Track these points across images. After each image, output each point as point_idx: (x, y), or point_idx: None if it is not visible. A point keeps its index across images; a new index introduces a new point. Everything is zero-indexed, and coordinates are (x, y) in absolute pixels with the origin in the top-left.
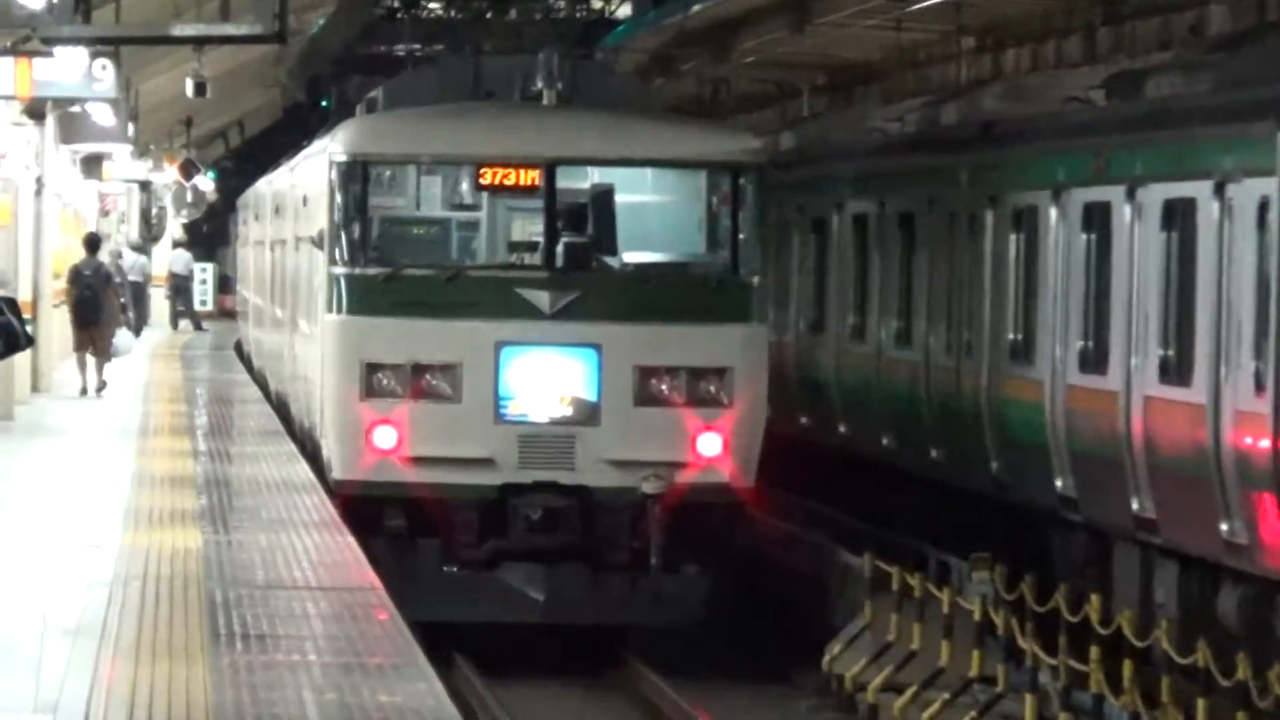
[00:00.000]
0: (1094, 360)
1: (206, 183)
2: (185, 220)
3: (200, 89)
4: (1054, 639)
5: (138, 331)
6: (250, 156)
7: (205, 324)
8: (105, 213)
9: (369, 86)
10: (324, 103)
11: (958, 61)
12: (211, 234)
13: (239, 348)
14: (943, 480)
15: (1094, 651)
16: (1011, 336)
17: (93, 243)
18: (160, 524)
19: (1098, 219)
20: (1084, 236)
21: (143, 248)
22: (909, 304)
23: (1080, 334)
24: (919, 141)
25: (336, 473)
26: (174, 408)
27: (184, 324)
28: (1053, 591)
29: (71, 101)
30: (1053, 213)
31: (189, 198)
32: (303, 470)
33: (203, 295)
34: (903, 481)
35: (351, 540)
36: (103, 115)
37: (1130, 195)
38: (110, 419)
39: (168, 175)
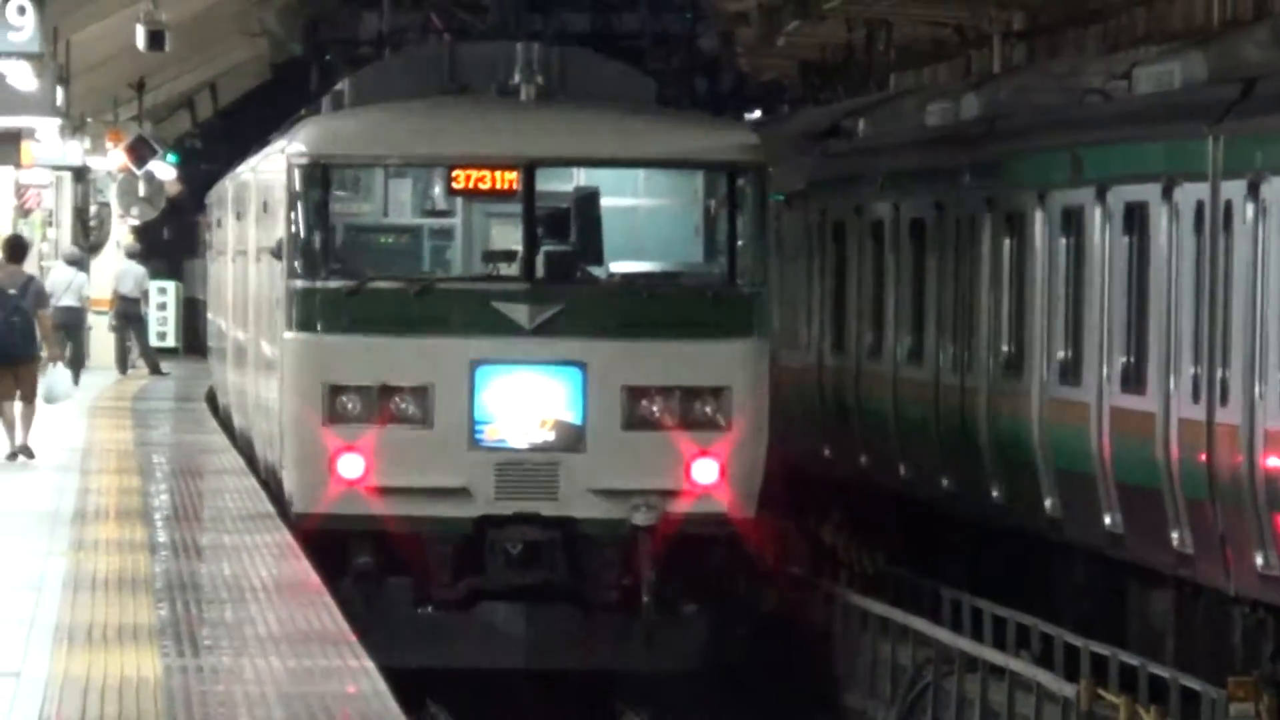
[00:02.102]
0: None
1: (166, 169)
2: (137, 222)
3: (156, 39)
4: None
5: (76, 375)
6: (227, 133)
7: (165, 365)
8: (25, 212)
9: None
10: (328, 56)
11: None
12: (174, 241)
13: (212, 398)
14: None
15: None
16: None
17: (16, 248)
18: (104, 644)
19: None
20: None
21: (78, 260)
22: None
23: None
24: (1165, 108)
25: (297, 505)
26: (123, 482)
27: (136, 365)
28: None
29: None
30: None
31: (141, 191)
32: (302, 569)
33: (162, 326)
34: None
35: (370, 665)
36: (20, 77)
37: None
38: (35, 498)
39: (112, 160)
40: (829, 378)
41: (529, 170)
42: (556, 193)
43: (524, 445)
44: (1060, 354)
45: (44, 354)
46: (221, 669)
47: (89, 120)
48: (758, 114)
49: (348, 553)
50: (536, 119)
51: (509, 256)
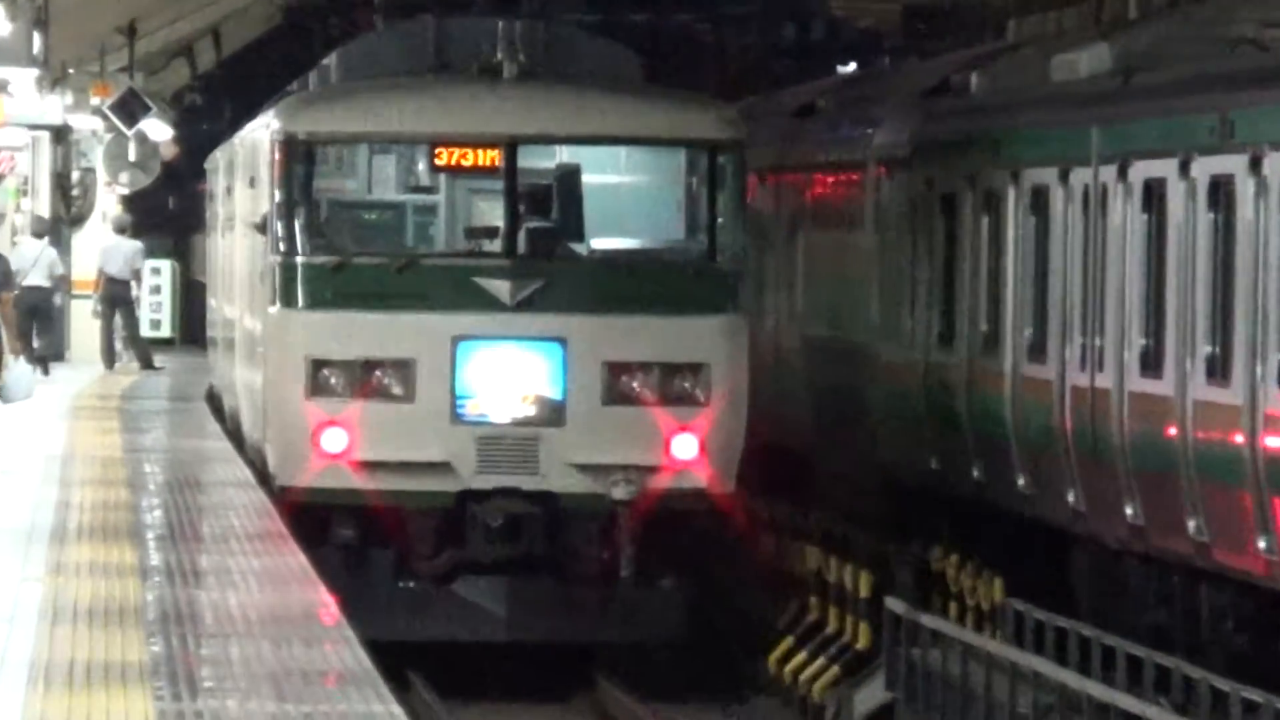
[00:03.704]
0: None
1: (161, 129)
2: (126, 191)
3: None
4: None
5: (44, 367)
6: (232, 87)
7: (159, 359)
8: None
9: None
10: None
11: None
12: (170, 213)
13: (214, 397)
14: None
15: None
16: None
17: None
18: (88, 685)
19: None
20: None
21: (53, 233)
22: None
23: None
24: None
25: (280, 479)
26: (109, 495)
27: (125, 358)
28: None
29: None
30: None
31: (132, 154)
32: (320, 598)
33: (155, 312)
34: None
35: (398, 711)
36: None
37: None
38: (5, 513)
39: (96, 120)
40: (936, 376)
41: (511, 147)
42: (538, 170)
43: (505, 420)
44: (1205, 349)
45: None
46: (224, 715)
47: (71, 71)
48: (852, 66)
49: (330, 526)
50: (518, 96)
51: (491, 233)
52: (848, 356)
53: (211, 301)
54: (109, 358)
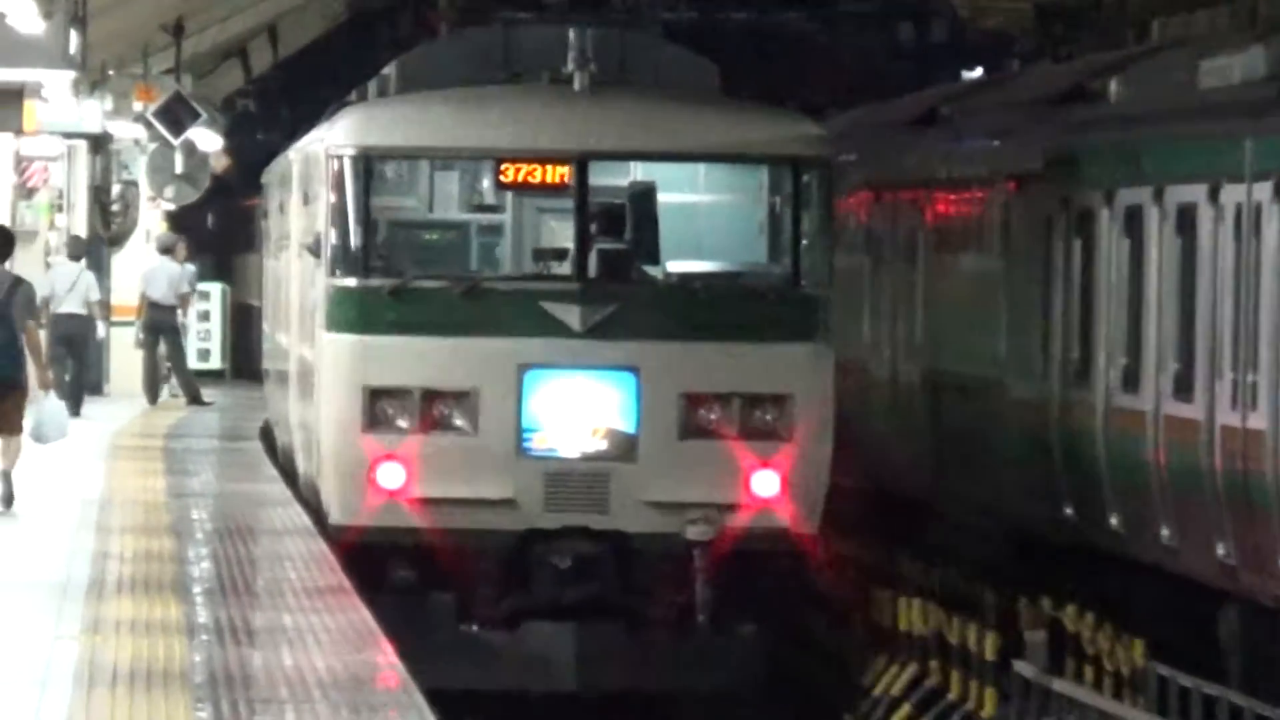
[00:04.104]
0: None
1: (210, 139)
2: (173, 206)
3: None
4: None
5: (77, 404)
6: (290, 89)
7: (209, 393)
8: (28, 192)
9: None
10: None
11: None
12: (221, 231)
13: (268, 435)
14: None
15: None
16: None
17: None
18: None
19: None
20: None
21: (91, 254)
22: None
23: None
24: None
25: (335, 517)
26: (152, 544)
27: (170, 392)
28: None
29: None
30: None
31: (179, 166)
32: (385, 659)
33: (204, 341)
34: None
35: None
36: (22, 16)
37: None
38: (38, 564)
39: (139, 128)
40: (1070, 415)
41: (581, 164)
42: (611, 187)
43: (574, 454)
44: None
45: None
46: None
47: (111, 74)
48: (978, 71)
49: (388, 567)
50: (590, 109)
51: (560, 255)
52: (972, 393)
53: (266, 329)
54: (152, 392)
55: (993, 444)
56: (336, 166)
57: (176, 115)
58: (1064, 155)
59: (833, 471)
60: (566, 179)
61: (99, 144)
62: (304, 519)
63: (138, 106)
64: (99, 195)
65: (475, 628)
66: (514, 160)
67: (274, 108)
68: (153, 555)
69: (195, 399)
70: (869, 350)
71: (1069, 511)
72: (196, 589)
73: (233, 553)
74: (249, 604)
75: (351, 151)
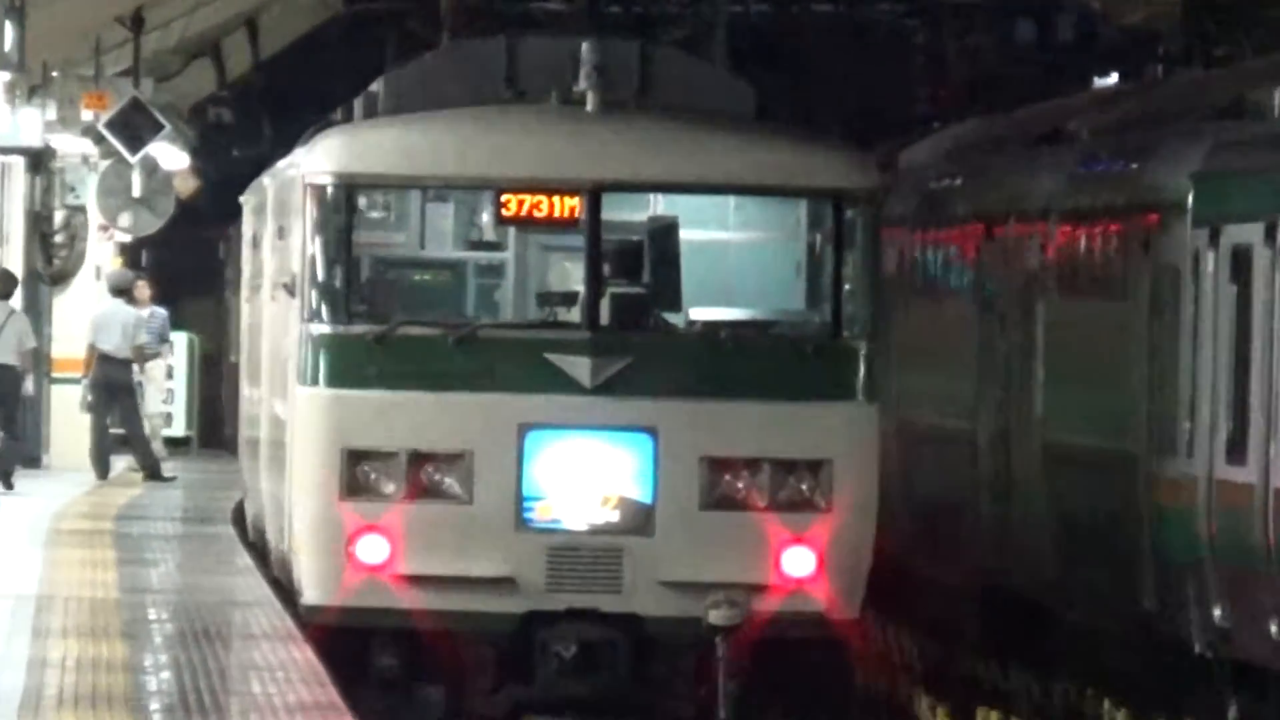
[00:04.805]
0: None
1: (175, 156)
2: (128, 237)
3: None
4: None
5: (6, 477)
6: (274, 96)
7: (170, 467)
8: None
9: None
10: None
11: None
12: (188, 268)
13: (241, 517)
14: None
15: None
16: None
17: None
18: None
19: None
20: None
21: (27, 294)
22: None
23: None
24: None
25: (309, 596)
26: (100, 651)
27: (122, 463)
28: None
29: None
30: None
31: (136, 188)
32: None
33: (166, 402)
34: None
35: None
36: None
37: None
38: None
39: (87, 142)
40: (1226, 499)
41: (594, 195)
42: (627, 223)
43: (582, 527)
44: None
45: None
46: None
47: (55, 75)
48: (1113, 78)
49: (369, 654)
50: (604, 134)
51: (568, 299)
52: (1105, 472)
53: (244, 388)
54: (102, 464)
55: (1125, 533)
56: (315, 196)
57: (134, 127)
58: (1216, 181)
59: (930, 567)
60: (577, 213)
61: (39, 161)
62: (286, 621)
63: (87, 116)
64: (38, 223)
65: None
66: (517, 191)
67: (253, 118)
68: (100, 664)
69: (154, 474)
70: (975, 419)
71: (1218, 615)
72: (154, 705)
73: (199, 661)
74: None
75: (332, 180)
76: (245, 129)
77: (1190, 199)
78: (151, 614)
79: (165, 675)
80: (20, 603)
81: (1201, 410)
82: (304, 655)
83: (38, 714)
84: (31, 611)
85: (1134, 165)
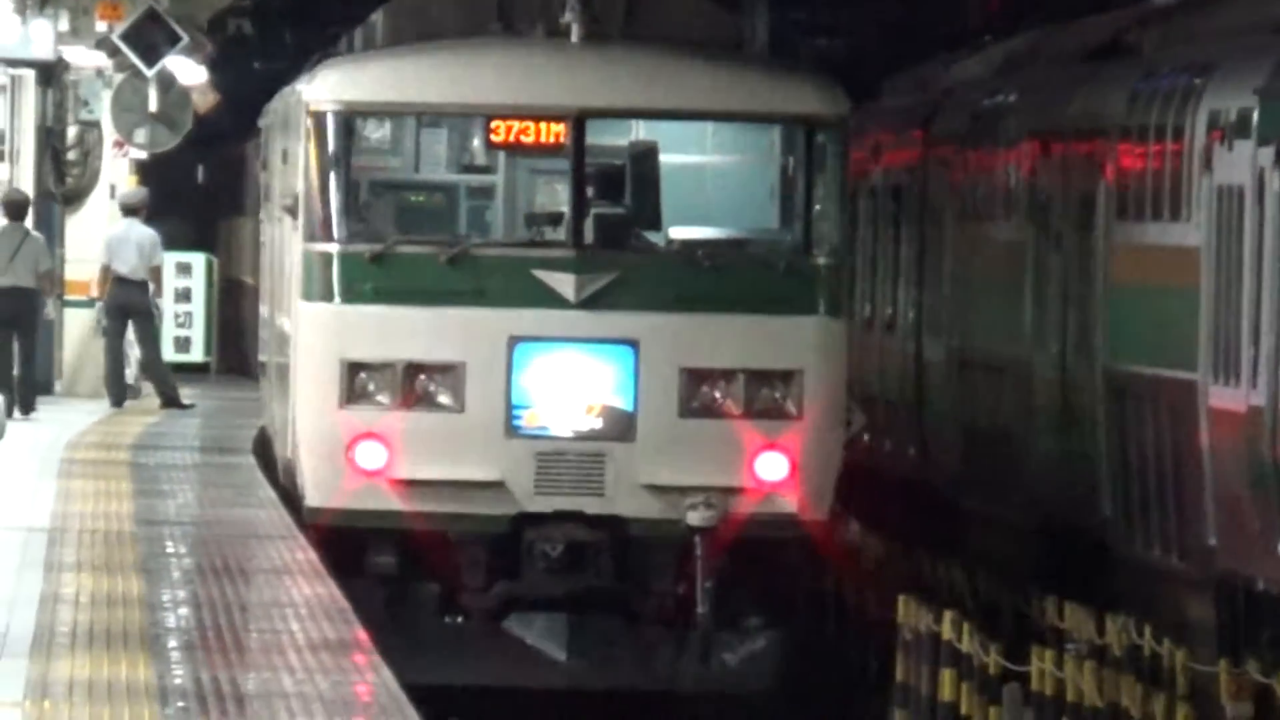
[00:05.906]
0: None
1: (193, 69)
2: (145, 155)
3: None
4: None
5: (25, 403)
6: (297, 7)
7: (189, 394)
8: None
9: None
10: None
11: None
12: (206, 188)
13: (263, 446)
14: None
15: None
16: None
17: None
18: None
19: None
20: None
21: (40, 213)
22: None
23: None
24: None
25: (310, 499)
26: (114, 587)
27: (140, 391)
28: None
29: None
30: None
31: (153, 103)
32: None
33: (184, 327)
34: None
35: None
36: None
37: None
38: None
39: (101, 55)
40: None
41: (578, 122)
42: (610, 148)
43: (567, 434)
44: None
45: None
46: None
47: None
48: None
49: (366, 553)
50: (588, 63)
51: (554, 220)
52: (1166, 402)
53: (264, 311)
54: (118, 391)
55: (1189, 469)
56: (315, 123)
57: (150, 38)
58: None
59: (985, 503)
60: (562, 138)
61: (50, 74)
62: (309, 554)
63: (101, 27)
64: (50, 140)
65: (460, 619)
66: (506, 118)
67: (275, 30)
68: (116, 600)
69: (171, 400)
70: (1031, 346)
71: None
72: (171, 643)
73: (218, 597)
74: (238, 663)
75: (332, 107)
76: (266, 42)
77: (1255, 116)
78: (169, 548)
79: (183, 611)
80: (32, 536)
81: (1266, 336)
82: (329, 591)
83: (50, 652)
84: (44, 545)
85: (1196, 80)
